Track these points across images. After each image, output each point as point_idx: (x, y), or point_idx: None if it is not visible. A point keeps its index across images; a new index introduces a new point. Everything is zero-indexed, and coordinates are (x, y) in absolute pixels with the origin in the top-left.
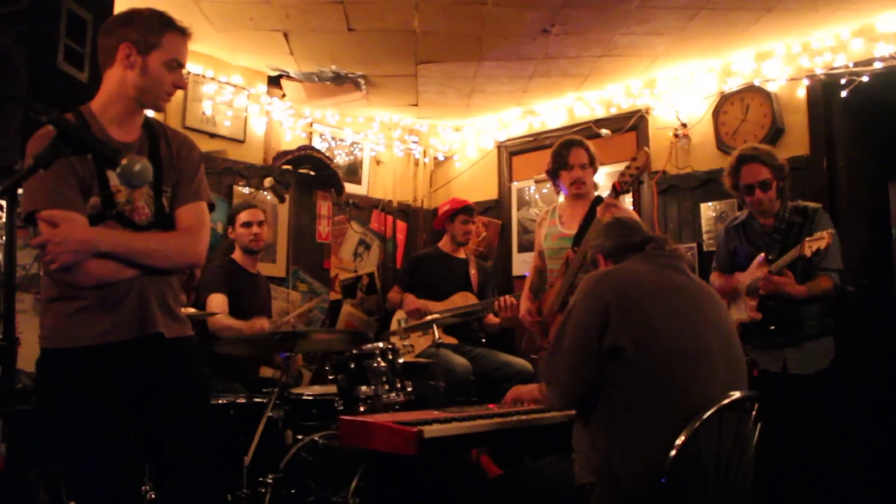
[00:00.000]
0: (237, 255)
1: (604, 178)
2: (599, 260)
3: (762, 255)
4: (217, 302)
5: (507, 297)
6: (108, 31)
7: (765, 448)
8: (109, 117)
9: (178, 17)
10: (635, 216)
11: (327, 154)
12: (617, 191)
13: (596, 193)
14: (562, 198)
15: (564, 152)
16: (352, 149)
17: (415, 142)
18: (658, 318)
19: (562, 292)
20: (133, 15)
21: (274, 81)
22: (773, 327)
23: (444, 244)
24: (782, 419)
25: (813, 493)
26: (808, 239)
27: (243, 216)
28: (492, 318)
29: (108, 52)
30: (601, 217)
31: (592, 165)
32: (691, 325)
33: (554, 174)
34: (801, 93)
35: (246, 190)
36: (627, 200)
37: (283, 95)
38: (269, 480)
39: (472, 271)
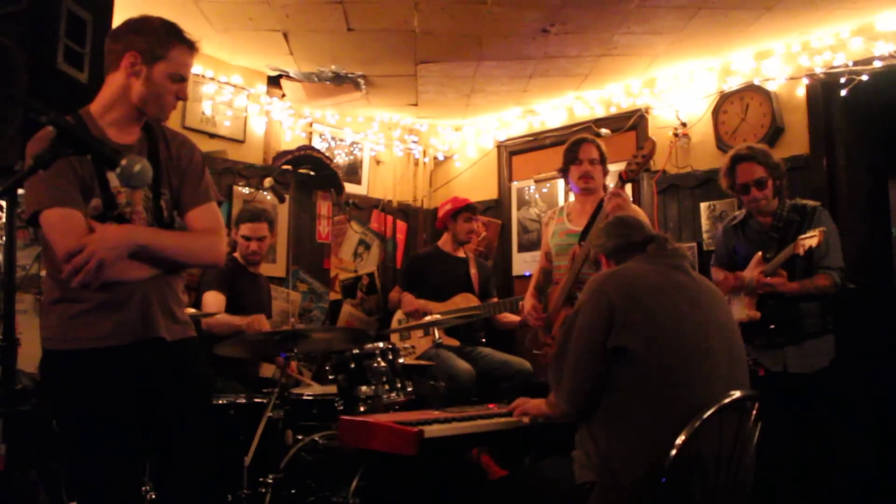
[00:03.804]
0: (239, 254)
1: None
2: (601, 259)
3: (760, 253)
4: (213, 300)
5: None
6: (116, 36)
7: (765, 447)
8: (108, 120)
9: (178, 18)
10: (641, 213)
11: (327, 154)
12: (623, 179)
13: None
14: (572, 197)
15: (575, 147)
16: (352, 149)
17: (415, 141)
18: (661, 319)
19: (566, 287)
20: (143, 23)
21: (274, 81)
22: (773, 326)
23: (445, 243)
24: (783, 418)
25: (813, 493)
26: (800, 237)
27: (244, 228)
28: (508, 317)
29: (114, 56)
30: (606, 205)
31: (602, 164)
32: (694, 325)
33: (564, 170)
34: (801, 92)
35: (246, 190)
36: None
37: (283, 95)
38: (270, 480)
39: (473, 271)
